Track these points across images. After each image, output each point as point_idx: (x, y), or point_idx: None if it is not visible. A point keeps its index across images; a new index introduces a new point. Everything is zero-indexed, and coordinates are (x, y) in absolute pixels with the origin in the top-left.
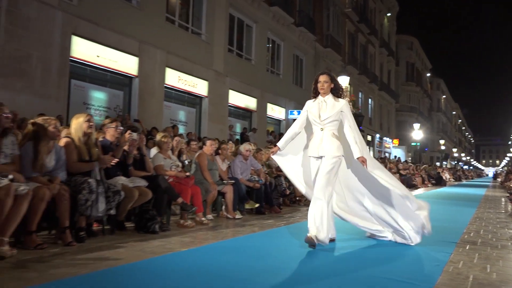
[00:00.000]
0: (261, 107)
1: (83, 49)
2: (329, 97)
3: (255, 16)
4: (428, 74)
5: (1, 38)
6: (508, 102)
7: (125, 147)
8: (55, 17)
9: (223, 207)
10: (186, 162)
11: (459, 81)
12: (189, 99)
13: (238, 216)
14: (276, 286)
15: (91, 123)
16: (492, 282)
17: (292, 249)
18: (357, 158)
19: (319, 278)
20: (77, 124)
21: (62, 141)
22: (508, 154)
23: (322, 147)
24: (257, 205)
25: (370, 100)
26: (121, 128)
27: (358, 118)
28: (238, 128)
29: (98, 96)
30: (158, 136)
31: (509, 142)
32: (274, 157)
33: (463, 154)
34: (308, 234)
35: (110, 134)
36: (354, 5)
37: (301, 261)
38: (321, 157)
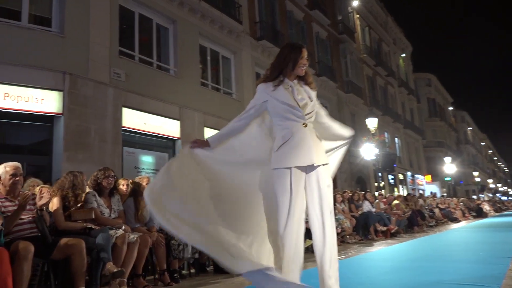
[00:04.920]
0: None
1: (132, 119)
2: (297, 82)
3: None
4: (451, 108)
5: (66, 117)
6: None
7: None
8: (107, 93)
9: None
10: None
11: (485, 111)
12: None
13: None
14: None
15: None
16: None
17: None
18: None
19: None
20: None
21: None
22: None
23: (314, 151)
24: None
25: (396, 139)
26: None
27: (391, 156)
28: None
29: (147, 160)
30: None
31: None
32: (185, 158)
33: (499, 185)
34: None
35: None
36: (369, 51)
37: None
38: (311, 167)
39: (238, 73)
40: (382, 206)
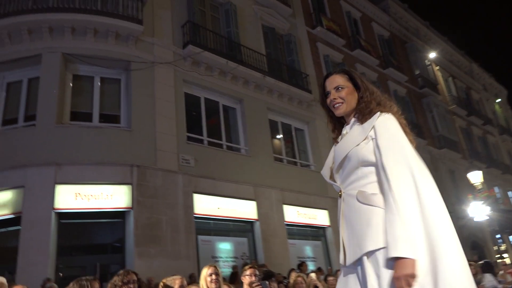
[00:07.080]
0: None
1: (204, 204)
2: (353, 122)
3: None
4: None
5: (135, 210)
6: None
7: None
8: (177, 181)
9: None
10: None
11: None
12: (312, 232)
13: None
14: None
15: (213, 277)
16: None
17: None
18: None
19: None
20: (202, 278)
21: None
22: None
23: (346, 240)
24: None
25: (510, 193)
26: (256, 275)
27: (508, 214)
28: None
29: (224, 247)
30: (293, 277)
31: None
32: None
33: None
34: None
35: (245, 283)
36: (458, 101)
37: None
38: (355, 265)
39: (314, 143)
40: (510, 278)
